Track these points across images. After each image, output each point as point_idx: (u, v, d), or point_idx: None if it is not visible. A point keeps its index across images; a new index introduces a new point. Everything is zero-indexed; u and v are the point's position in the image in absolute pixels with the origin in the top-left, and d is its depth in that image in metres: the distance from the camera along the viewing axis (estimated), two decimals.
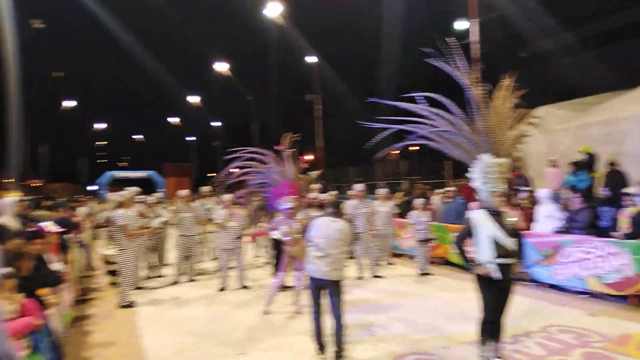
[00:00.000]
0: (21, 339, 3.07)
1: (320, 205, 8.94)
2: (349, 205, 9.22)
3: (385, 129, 5.13)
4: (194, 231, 9.26)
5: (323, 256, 4.90)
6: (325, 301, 5.03)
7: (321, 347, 5.03)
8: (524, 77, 5.09)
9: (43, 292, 4.07)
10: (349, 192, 10.45)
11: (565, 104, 12.70)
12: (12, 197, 6.91)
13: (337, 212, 5.30)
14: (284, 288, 7.57)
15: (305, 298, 7.23)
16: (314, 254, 4.99)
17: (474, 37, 12.60)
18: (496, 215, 4.52)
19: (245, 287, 8.44)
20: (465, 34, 13.27)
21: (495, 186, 4.54)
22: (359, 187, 9.28)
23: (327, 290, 4.98)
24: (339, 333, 4.88)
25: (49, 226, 5.38)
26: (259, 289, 8.35)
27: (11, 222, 6.29)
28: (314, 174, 8.31)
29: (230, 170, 8.04)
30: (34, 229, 5.07)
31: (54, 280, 4.60)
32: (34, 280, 3.95)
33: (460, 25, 14.21)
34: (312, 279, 5.03)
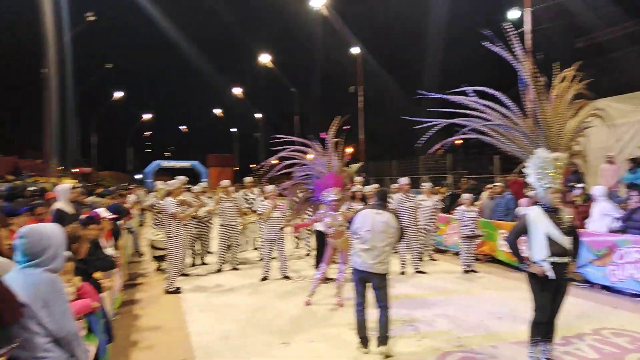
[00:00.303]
0: (79, 319, 3.18)
1: (363, 198, 8.88)
2: (393, 199, 9.13)
3: (432, 123, 4.95)
4: (235, 221, 9.38)
5: (368, 249, 4.85)
6: (370, 294, 4.98)
7: (364, 341, 5.00)
8: (580, 68, 4.82)
9: (97, 275, 4.21)
10: (393, 186, 10.37)
11: (625, 97, 12.02)
12: (67, 184, 7.19)
13: (383, 204, 5.22)
14: (327, 280, 7.58)
15: (348, 291, 7.21)
16: (359, 246, 4.94)
17: (527, 26, 12.12)
18: (552, 212, 4.34)
19: (287, 277, 8.50)
20: (518, 23, 12.78)
21: (551, 182, 4.35)
22: (404, 180, 9.14)
23: (372, 283, 4.93)
24: (384, 325, 4.83)
25: (102, 212, 5.56)
26: (300, 280, 8.40)
27: (66, 208, 6.55)
28: (356, 166, 8.23)
29: (273, 161, 8.07)
30: (89, 214, 5.25)
31: (108, 264, 4.76)
32: (90, 263, 4.09)
33: (513, 14, 13.63)
34: (357, 271, 4.98)
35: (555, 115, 4.47)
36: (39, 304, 2.18)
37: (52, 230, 2.41)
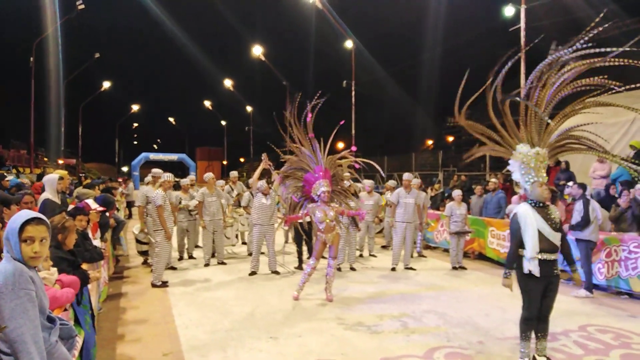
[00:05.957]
0: (66, 310, 3.12)
1: (355, 193, 8.80)
2: (394, 194, 9.13)
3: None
4: (220, 215, 9.29)
5: None
6: None
7: None
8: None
9: (84, 267, 4.14)
10: (387, 183, 10.56)
11: (618, 96, 12.04)
12: (55, 174, 7.07)
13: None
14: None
15: (335, 286, 7.19)
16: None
17: (523, 23, 12.07)
18: (541, 207, 4.34)
19: (275, 272, 8.46)
20: (514, 19, 12.69)
21: (535, 176, 4.33)
22: (407, 176, 9.15)
23: None
24: None
25: (91, 203, 5.46)
26: (289, 275, 8.36)
27: (53, 199, 6.44)
28: (346, 162, 8.15)
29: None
30: (78, 205, 5.16)
31: (96, 255, 4.68)
32: (78, 254, 4.02)
33: (509, 11, 13.54)
34: None
35: (539, 110, 4.44)
36: None
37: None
